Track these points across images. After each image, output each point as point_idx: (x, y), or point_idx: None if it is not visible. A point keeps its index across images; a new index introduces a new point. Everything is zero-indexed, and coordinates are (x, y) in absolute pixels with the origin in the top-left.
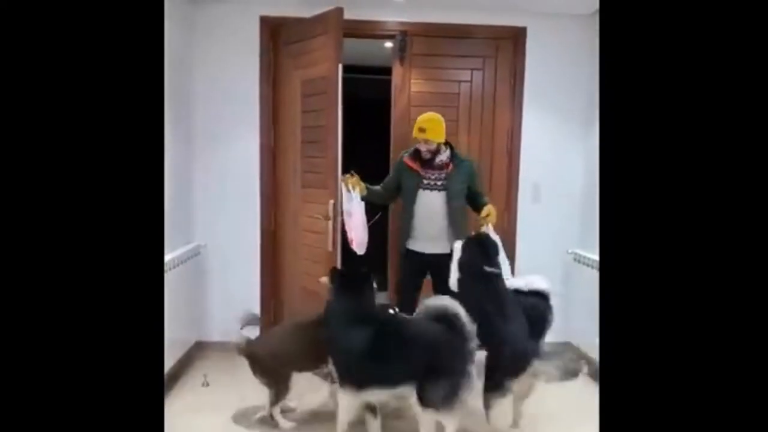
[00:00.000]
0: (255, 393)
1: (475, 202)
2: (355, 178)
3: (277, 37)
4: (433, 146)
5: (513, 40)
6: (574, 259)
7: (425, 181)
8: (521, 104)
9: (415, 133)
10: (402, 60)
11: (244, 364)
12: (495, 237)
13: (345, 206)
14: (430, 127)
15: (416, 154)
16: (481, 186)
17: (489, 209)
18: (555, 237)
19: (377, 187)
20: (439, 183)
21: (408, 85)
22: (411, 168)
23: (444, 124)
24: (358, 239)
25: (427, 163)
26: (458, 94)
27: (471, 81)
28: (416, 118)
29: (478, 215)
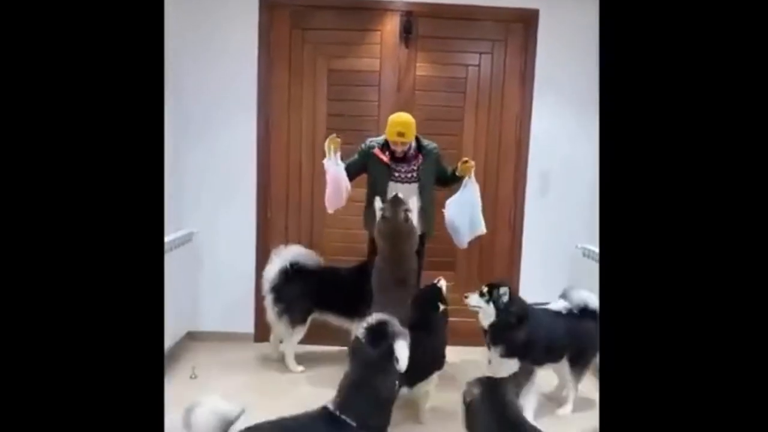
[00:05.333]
0: (243, 385)
1: (447, 175)
2: (338, 140)
3: (282, 18)
4: (407, 146)
5: (524, 23)
6: (583, 254)
7: (396, 174)
8: (531, 90)
9: (392, 136)
10: (407, 42)
11: (235, 356)
12: (474, 185)
13: (329, 165)
14: (408, 131)
15: (387, 148)
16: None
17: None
18: (563, 230)
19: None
20: (410, 175)
21: (413, 68)
22: (381, 160)
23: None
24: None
25: (398, 156)
26: (465, 78)
27: (479, 65)
28: (422, 103)
29: (457, 171)
